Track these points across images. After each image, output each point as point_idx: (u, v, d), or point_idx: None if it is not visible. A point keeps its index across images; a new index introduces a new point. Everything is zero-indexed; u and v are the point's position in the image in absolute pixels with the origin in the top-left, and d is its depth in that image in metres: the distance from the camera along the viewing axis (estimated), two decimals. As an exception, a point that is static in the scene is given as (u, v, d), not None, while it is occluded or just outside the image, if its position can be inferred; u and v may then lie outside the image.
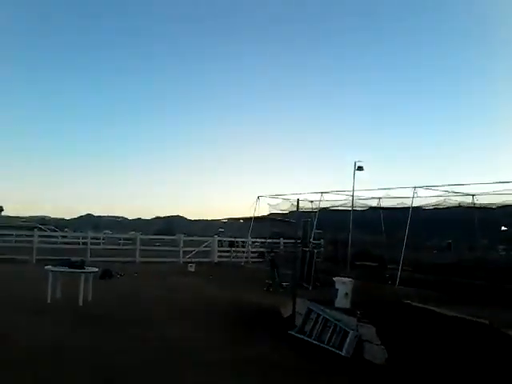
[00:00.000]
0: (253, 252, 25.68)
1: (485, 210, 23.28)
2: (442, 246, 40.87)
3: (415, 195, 17.98)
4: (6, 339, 6.96)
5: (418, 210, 20.19)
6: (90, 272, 10.77)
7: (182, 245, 23.46)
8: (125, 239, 29.60)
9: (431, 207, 23.05)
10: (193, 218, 79.05)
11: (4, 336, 7.13)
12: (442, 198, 20.54)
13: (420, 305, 8.68)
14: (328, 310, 7.89)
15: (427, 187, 18.57)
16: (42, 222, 50.98)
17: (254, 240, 26.54)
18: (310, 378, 5.94)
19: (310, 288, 14.68)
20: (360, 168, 18.02)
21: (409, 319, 7.64)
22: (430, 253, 35.17)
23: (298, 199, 9.94)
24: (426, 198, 19.69)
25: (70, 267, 10.46)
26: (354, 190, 19.10)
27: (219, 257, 24.14)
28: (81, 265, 10.69)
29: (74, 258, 11.28)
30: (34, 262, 19.76)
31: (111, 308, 10.01)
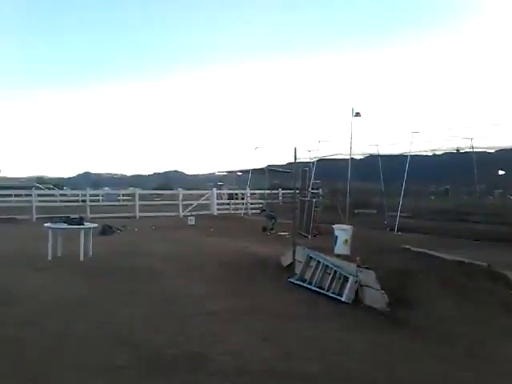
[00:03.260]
0: (252, 204, 25.74)
1: (482, 154, 23.17)
2: (440, 192, 41.12)
3: (413, 140, 17.83)
4: (8, 296, 7.03)
5: (416, 156, 20.09)
6: (89, 228, 10.78)
7: (181, 198, 23.49)
8: (124, 195, 29.65)
9: (430, 153, 22.94)
10: (191, 173, 79.13)
11: (6, 293, 7.20)
12: (440, 143, 20.34)
13: (419, 249, 8.75)
14: (328, 257, 7.94)
15: (425, 131, 18.37)
16: (40, 181, 50.90)
17: (252, 192, 26.55)
18: (310, 324, 6.01)
19: (310, 237, 14.77)
20: (358, 114, 17.73)
21: (408, 263, 7.71)
22: (429, 199, 35.35)
23: (296, 148, 9.76)
24: (424, 144, 19.52)
25: (68, 224, 10.45)
26: (352, 138, 18.88)
27: (218, 209, 24.23)
28: (79, 221, 10.68)
29: (72, 215, 11.23)
30: (34, 220, 19.85)
31: (112, 262, 10.07)
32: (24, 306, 6.53)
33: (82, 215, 12.73)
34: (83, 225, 10.63)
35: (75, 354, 4.75)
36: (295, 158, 10.80)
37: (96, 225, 11.48)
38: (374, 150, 22.11)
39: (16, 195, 26.89)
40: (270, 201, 25.80)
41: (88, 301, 6.89)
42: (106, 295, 7.24)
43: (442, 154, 24.59)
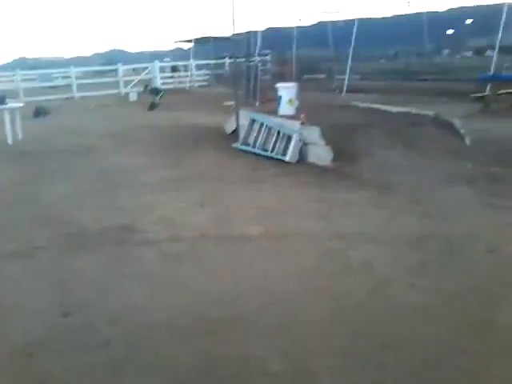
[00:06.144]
0: (198, 76, 24.46)
1: (432, 13, 22.39)
2: (390, 56, 40.58)
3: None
4: None
5: (366, 19, 19.15)
6: (15, 108, 9.81)
7: (121, 75, 21.99)
8: (62, 77, 27.48)
9: (379, 16, 21.89)
10: (136, 51, 74.82)
11: None
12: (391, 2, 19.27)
13: (365, 104, 8.41)
14: (272, 117, 7.50)
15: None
16: (-31, 69, 46.85)
17: (197, 63, 25.12)
18: (251, 186, 5.72)
19: (257, 104, 14.18)
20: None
21: (354, 119, 7.40)
22: (378, 62, 34.84)
23: (233, 6, 8.64)
24: (375, 5, 18.43)
25: (-11, 105, 9.43)
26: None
27: (162, 84, 22.91)
28: (1, 100, 9.64)
29: (-7, 95, 10.12)
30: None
31: (45, 144, 9.32)
32: None
33: (7, 96, 11.56)
34: (5, 104, 9.62)
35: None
36: (233, 22, 9.84)
37: (21, 104, 10.47)
38: (322, 11, 20.83)
39: None
40: (216, 71, 24.67)
41: (11, 183, 6.32)
42: (33, 177, 6.65)
43: (391, 17, 23.69)
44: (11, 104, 9.99)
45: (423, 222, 4.25)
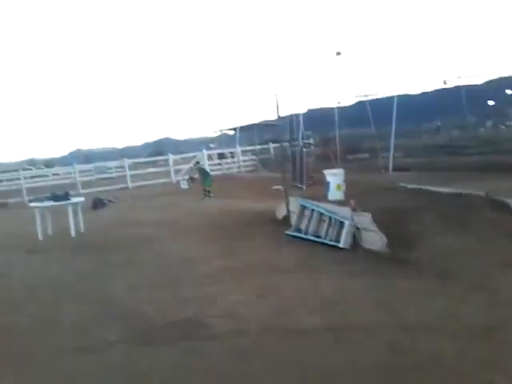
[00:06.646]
0: (244, 161, 25.35)
1: (470, 87, 22.67)
2: (432, 130, 40.73)
3: (400, 79, 17.21)
4: (3, 278, 6.84)
5: (404, 96, 19.60)
6: (77, 202, 10.47)
7: (171, 164, 23.12)
8: (115, 167, 29.13)
9: (418, 92, 22.33)
10: (182, 138, 78.38)
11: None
12: (427, 79, 19.68)
13: (414, 185, 8.48)
14: (321, 204, 7.68)
15: (411, 69, 17.70)
16: (32, 163, 50.27)
17: (243, 149, 26.13)
18: (308, 274, 5.80)
19: (304, 188, 14.51)
20: (338, 53, 17.20)
21: (405, 201, 7.46)
22: (420, 137, 34.99)
23: (276, 94, 9.16)
24: (411, 82, 18.91)
25: (54, 201, 10.13)
26: (336, 82, 18.27)
27: (211, 170, 23.84)
28: (65, 196, 10.35)
29: (58, 192, 10.90)
30: (26, 202, 19.44)
31: (105, 235, 9.83)
32: (11, 290, 6.30)
33: (70, 191, 12.37)
34: (69, 200, 10.30)
35: (66, 334, 4.52)
36: (277, 107, 10.33)
37: (82, 199, 11.14)
38: (361, 94, 21.54)
39: (8, 180, 26.34)
40: (261, 156, 25.48)
41: (78, 277, 6.64)
42: (97, 270, 6.97)
43: (431, 92, 24.08)
44: (74, 199, 10.68)
45: (489, 309, 4.16)
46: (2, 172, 31.59)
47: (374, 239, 6.41)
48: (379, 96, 21.49)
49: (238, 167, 24.47)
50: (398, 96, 17.70)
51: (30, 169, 33.46)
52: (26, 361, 4.01)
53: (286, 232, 7.99)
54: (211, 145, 39.20)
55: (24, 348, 4.28)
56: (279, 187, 14.27)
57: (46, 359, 4.00)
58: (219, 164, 24.76)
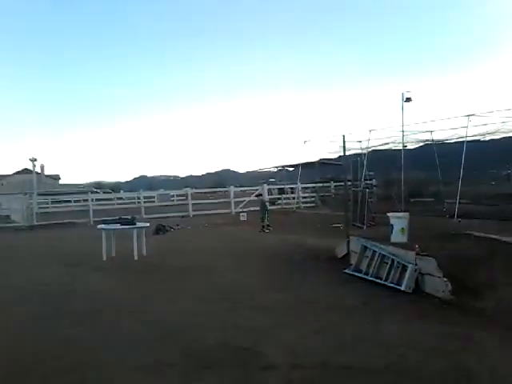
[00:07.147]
0: (304, 198, 25.37)
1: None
2: (501, 177, 39.12)
3: (469, 124, 16.72)
4: (69, 296, 7.18)
5: (472, 142, 19.01)
6: (141, 227, 10.87)
7: (232, 196, 23.53)
8: (177, 196, 30.06)
9: (486, 138, 21.55)
10: (242, 171, 79.60)
11: (67, 292, 7.38)
12: (497, 126, 18.99)
13: (482, 234, 8.18)
14: (384, 246, 7.57)
15: (481, 114, 17.16)
16: (98, 186, 52.70)
17: (303, 186, 26.17)
18: (368, 315, 5.70)
19: (365, 227, 14.30)
20: (408, 99, 17.03)
21: (471, 249, 7.22)
22: (488, 184, 33.67)
23: (344, 135, 9.34)
24: (479, 127, 18.30)
25: (121, 224, 10.59)
26: (403, 125, 18.15)
27: (270, 204, 24.04)
28: (131, 221, 10.79)
29: (124, 216, 11.40)
30: (92, 223, 20.38)
31: (165, 260, 10.14)
32: (75, 304, 6.60)
33: (135, 215, 12.88)
34: (135, 224, 10.73)
35: (125, 354, 4.65)
36: (344, 148, 10.45)
37: (147, 224, 11.57)
38: (427, 137, 21.10)
39: (76, 200, 27.91)
40: (321, 193, 25.38)
41: (139, 299, 6.87)
42: (157, 293, 7.19)
43: (501, 138, 23.19)
44: (140, 224, 11.10)
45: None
46: (71, 194, 33.47)
47: (438, 285, 6.22)
48: (447, 140, 20.96)
49: (298, 203, 24.49)
50: (467, 141, 17.20)
51: (98, 192, 35.07)
52: (90, 373, 4.19)
53: (345, 270, 7.91)
54: (271, 179, 39.50)
55: (88, 361, 4.45)
56: (339, 225, 14.20)
57: (108, 373, 4.16)
58: (279, 199, 24.90)
